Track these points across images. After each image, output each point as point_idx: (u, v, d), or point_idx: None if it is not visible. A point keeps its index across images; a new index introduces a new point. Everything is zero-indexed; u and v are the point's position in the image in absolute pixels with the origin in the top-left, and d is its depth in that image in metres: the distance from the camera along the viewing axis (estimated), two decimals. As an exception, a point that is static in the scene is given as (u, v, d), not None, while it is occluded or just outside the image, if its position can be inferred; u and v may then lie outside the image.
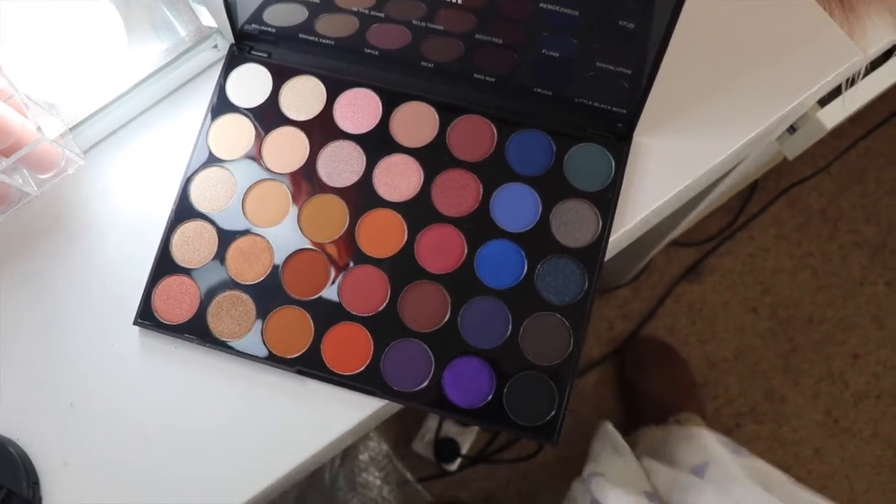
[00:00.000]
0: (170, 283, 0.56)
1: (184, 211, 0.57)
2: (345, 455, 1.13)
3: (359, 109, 0.58)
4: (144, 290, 0.56)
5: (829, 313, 1.22)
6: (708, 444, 0.88)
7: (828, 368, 1.20)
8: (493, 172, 0.56)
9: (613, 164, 0.56)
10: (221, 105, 0.59)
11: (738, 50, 0.58)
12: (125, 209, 0.58)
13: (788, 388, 1.20)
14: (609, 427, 0.96)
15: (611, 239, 0.55)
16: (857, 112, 0.73)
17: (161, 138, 0.59)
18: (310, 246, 0.56)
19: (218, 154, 0.58)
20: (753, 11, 0.59)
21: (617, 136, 0.56)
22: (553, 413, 0.52)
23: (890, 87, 0.74)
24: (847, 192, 1.24)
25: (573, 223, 0.55)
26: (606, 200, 0.55)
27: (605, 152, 0.56)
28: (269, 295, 0.55)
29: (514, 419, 0.52)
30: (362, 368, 0.54)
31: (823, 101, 0.73)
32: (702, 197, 0.82)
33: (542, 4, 0.49)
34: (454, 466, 1.17)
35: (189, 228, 0.57)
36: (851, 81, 0.71)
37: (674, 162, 0.56)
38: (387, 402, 0.54)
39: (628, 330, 1.21)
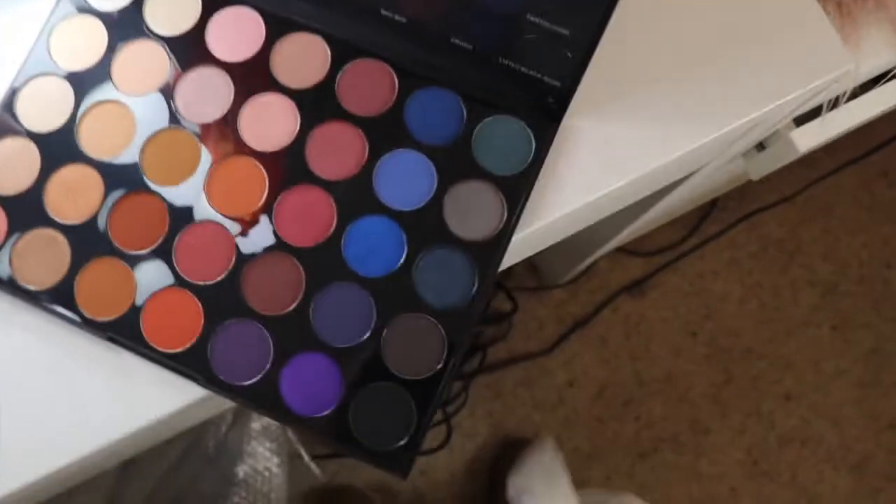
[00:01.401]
0: (-27, 209, 0.43)
1: (3, 123, 0.44)
2: (235, 420, 1.01)
3: (238, 32, 0.45)
4: (-65, 212, 0.43)
5: (769, 349, 1.12)
6: None
7: (757, 406, 1.10)
8: (385, 132, 0.44)
9: (535, 145, 0.44)
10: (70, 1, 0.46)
11: (710, 34, 0.46)
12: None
13: (715, 420, 1.10)
14: (550, 447, 0.85)
15: (516, 236, 0.43)
16: (833, 140, 0.62)
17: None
18: (149, 188, 0.43)
19: (60, 62, 0.45)
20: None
21: (545, 112, 0.44)
22: (407, 440, 0.41)
23: (874, 118, 0.63)
24: (809, 224, 1.13)
25: (472, 210, 0.43)
26: (518, 188, 0.43)
27: (525, 129, 0.44)
28: (89, 241, 0.43)
29: (359, 439, 0.41)
30: (186, 347, 0.42)
31: (799, 121, 0.62)
32: (648, 204, 0.71)
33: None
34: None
35: (6, 146, 0.44)
36: (834, 103, 0.60)
37: (609, 155, 0.45)
38: (209, 393, 0.42)
39: (558, 333, 1.10)
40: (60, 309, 0.42)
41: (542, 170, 0.44)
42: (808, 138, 0.61)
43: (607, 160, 0.45)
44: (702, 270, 1.12)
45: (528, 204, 0.43)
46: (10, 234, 0.43)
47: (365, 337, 0.42)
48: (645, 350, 1.12)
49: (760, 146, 0.67)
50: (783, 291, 1.13)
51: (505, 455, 1.05)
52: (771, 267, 1.14)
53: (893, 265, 1.14)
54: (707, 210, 1.11)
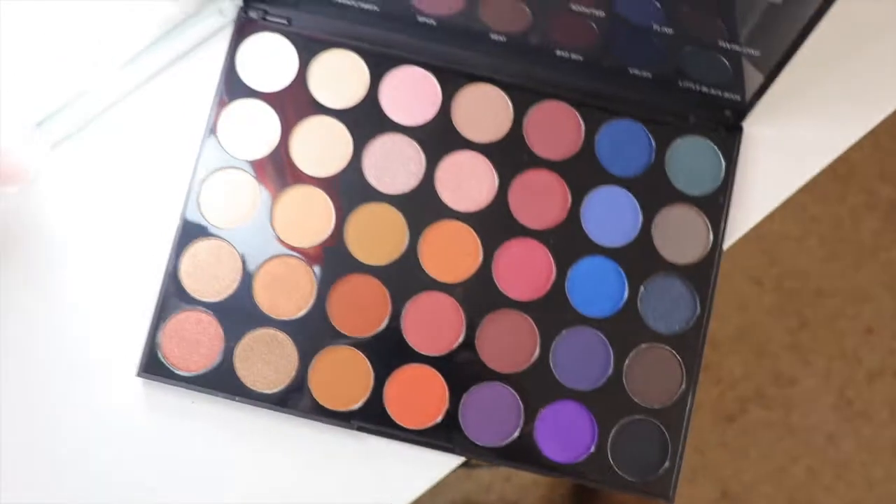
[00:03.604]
0: (182, 320, 0.50)
1: (193, 227, 0.51)
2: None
3: (411, 93, 0.53)
4: (149, 332, 0.50)
5: (840, 284, 1.25)
6: None
7: (839, 346, 1.24)
8: (581, 173, 0.53)
9: (723, 160, 0.53)
10: (233, 87, 0.52)
11: (864, 16, 0.56)
12: (113, 225, 0.52)
13: (798, 368, 1.23)
14: None
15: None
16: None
17: (154, 130, 0.53)
18: (361, 269, 0.51)
19: (233, 152, 0.52)
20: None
21: (725, 126, 0.53)
22: (667, 464, 0.50)
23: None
24: (858, 147, 1.26)
25: (680, 235, 0.52)
26: (717, 206, 0.53)
27: (711, 146, 0.53)
28: (313, 332, 0.50)
29: (623, 474, 0.50)
30: (437, 421, 0.50)
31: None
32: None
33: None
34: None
35: (203, 249, 0.51)
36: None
37: (791, 155, 0.54)
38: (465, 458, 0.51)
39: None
40: (294, 404, 0.49)
41: (735, 181, 0.53)
42: None
43: (789, 159, 0.54)
44: (756, 213, 1.23)
45: (729, 216, 0.53)
46: (226, 339, 0.50)
47: (607, 376, 0.51)
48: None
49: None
50: (843, 221, 1.26)
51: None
52: (825, 198, 1.26)
53: (946, 169, 1.27)
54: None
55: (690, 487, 1.20)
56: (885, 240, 1.26)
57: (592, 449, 0.50)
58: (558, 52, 0.52)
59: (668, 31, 0.48)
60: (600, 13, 0.48)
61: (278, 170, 0.52)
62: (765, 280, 1.26)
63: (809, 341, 1.24)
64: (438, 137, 0.52)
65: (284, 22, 0.53)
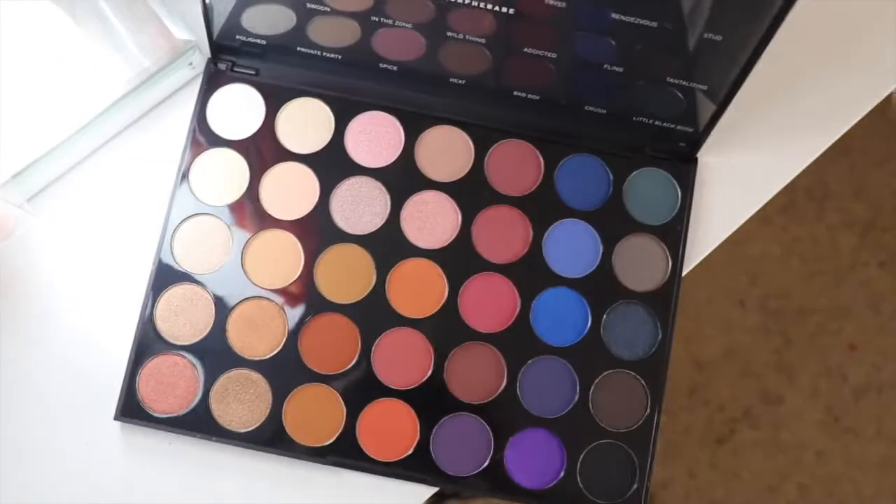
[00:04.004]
0: (158, 364, 0.52)
1: (167, 273, 0.53)
2: None
3: (376, 137, 0.55)
4: (126, 376, 0.52)
5: (821, 301, 1.27)
6: None
7: (824, 363, 1.25)
8: (542, 208, 0.55)
9: (679, 191, 0.55)
10: (203, 137, 0.54)
11: (800, 50, 0.58)
12: (89, 273, 0.54)
13: (784, 387, 1.25)
14: None
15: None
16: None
17: (127, 180, 0.55)
18: (331, 308, 0.53)
19: (204, 199, 0.54)
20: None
21: (680, 157, 0.55)
22: (636, 486, 0.52)
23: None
24: (832, 166, 1.29)
25: (639, 263, 0.54)
26: (675, 234, 0.55)
27: (668, 178, 0.55)
28: (285, 371, 0.52)
29: (593, 498, 0.52)
30: (408, 453, 0.52)
31: None
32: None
33: (613, 15, 0.47)
34: None
35: (177, 294, 0.53)
36: None
37: (743, 182, 0.56)
38: (437, 489, 0.52)
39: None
40: (269, 442, 0.51)
41: (692, 209, 0.55)
42: None
43: (742, 187, 0.56)
44: (735, 237, 1.25)
45: (686, 243, 0.55)
46: (202, 381, 0.52)
47: (574, 403, 0.52)
48: (696, 330, 1.25)
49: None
50: (821, 240, 1.28)
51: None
52: (803, 218, 1.29)
53: (921, 187, 1.30)
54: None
55: (683, 510, 1.22)
56: (863, 256, 1.29)
57: (562, 474, 0.52)
58: (516, 93, 0.54)
59: (620, 69, 0.50)
60: (553, 55, 0.50)
61: (249, 214, 0.54)
62: (748, 301, 1.28)
63: (794, 359, 1.26)
64: (403, 178, 0.54)
65: (252, 73, 0.55)
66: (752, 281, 1.28)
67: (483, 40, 0.51)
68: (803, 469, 1.23)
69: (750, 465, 1.23)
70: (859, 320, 1.27)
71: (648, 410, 0.53)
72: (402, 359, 0.52)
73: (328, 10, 0.51)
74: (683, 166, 0.55)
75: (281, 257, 0.53)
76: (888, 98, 0.84)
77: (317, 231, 0.54)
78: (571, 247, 0.54)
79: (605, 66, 0.50)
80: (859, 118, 0.58)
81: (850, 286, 1.28)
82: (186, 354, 0.52)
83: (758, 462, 1.23)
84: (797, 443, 1.23)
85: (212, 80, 0.55)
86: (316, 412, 0.52)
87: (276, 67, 0.55)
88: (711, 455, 1.23)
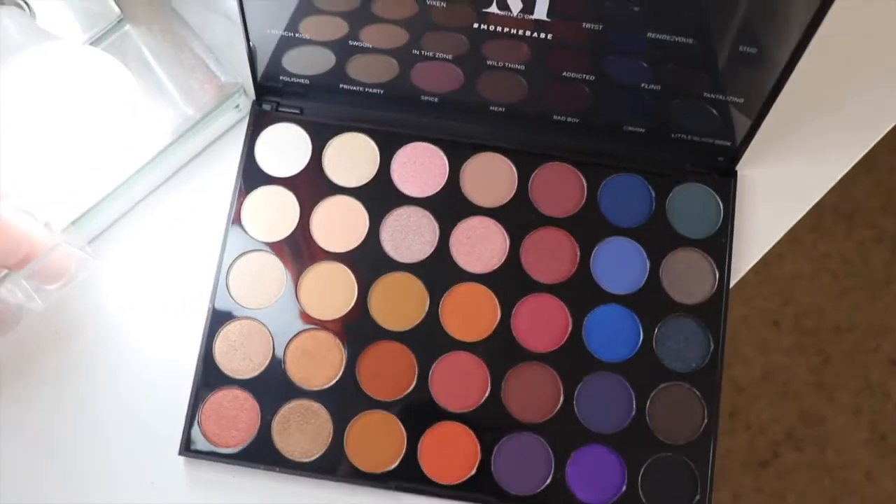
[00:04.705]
0: (219, 399, 0.53)
1: (224, 309, 0.54)
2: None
3: (421, 168, 0.57)
4: (188, 413, 0.53)
5: (857, 318, 1.27)
6: None
7: (865, 379, 1.25)
8: (587, 228, 0.56)
9: (721, 204, 0.56)
10: (253, 176, 0.56)
11: (842, 55, 0.59)
12: (147, 313, 0.55)
13: (826, 406, 1.25)
14: None
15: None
16: None
17: (181, 221, 0.56)
18: (387, 336, 0.54)
19: (257, 236, 0.55)
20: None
21: (719, 171, 0.57)
22: (698, 497, 0.52)
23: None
24: (858, 181, 1.30)
25: (686, 277, 0.55)
26: (720, 247, 0.56)
27: (709, 192, 0.57)
28: (345, 400, 0.53)
29: (656, 512, 0.52)
30: (470, 475, 0.52)
31: None
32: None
33: (649, 34, 0.49)
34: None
35: (234, 330, 0.54)
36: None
37: (784, 192, 0.58)
38: (501, 510, 0.53)
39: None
40: (333, 471, 0.52)
41: (735, 221, 0.56)
42: None
43: (782, 197, 0.58)
44: (766, 258, 1.26)
45: (732, 254, 0.56)
46: (262, 413, 0.53)
47: (631, 417, 0.53)
48: (733, 353, 1.25)
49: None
50: (852, 256, 1.29)
51: None
52: (833, 234, 1.29)
53: (950, 197, 1.30)
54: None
55: (731, 536, 1.21)
56: (895, 271, 1.29)
57: (624, 489, 0.52)
58: (555, 117, 0.56)
59: (656, 87, 0.52)
60: (590, 77, 0.52)
61: (300, 249, 0.55)
62: (782, 321, 1.28)
63: (834, 378, 1.26)
64: (449, 206, 0.56)
65: (297, 111, 0.57)
66: (785, 301, 1.28)
67: (521, 67, 0.52)
68: (852, 490, 1.22)
69: (796, 488, 1.22)
70: (897, 335, 1.27)
71: (706, 421, 0.53)
72: (459, 382, 0.53)
73: (368, 47, 0.53)
74: (723, 180, 0.57)
75: (335, 289, 0.55)
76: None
77: (368, 261, 0.55)
78: (619, 264, 0.55)
79: (642, 85, 0.52)
80: (890, 126, 0.59)
81: (885, 301, 1.28)
82: (246, 388, 0.53)
83: (804, 485, 1.22)
84: (843, 463, 1.23)
85: (258, 121, 0.57)
86: (377, 438, 0.53)
87: (320, 105, 0.57)
88: (755, 479, 1.22)
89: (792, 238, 1.30)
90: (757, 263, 1.21)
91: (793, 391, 1.26)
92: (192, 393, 0.53)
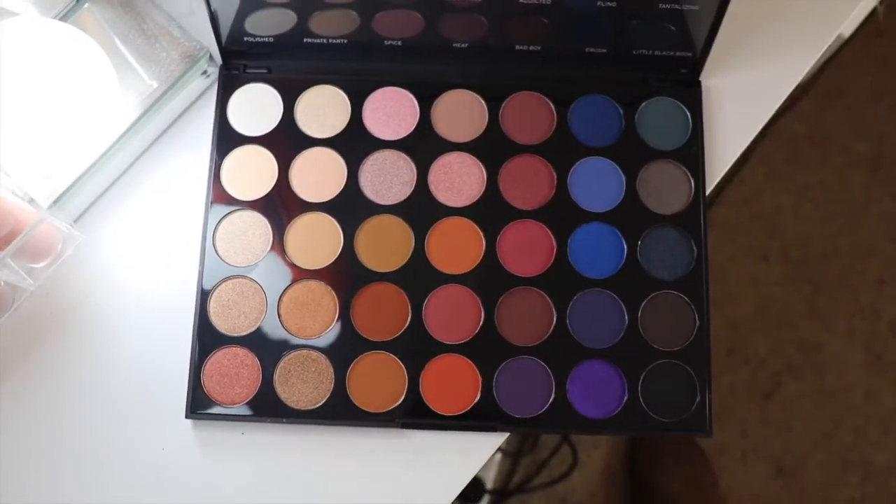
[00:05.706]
0: (219, 358, 0.54)
1: (214, 269, 0.55)
2: None
3: (392, 112, 0.58)
4: (190, 375, 0.54)
5: (842, 243, 1.29)
6: None
7: (856, 302, 1.27)
8: (561, 151, 0.57)
9: (689, 114, 0.58)
10: (228, 138, 0.57)
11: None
12: (139, 285, 0.56)
13: (821, 333, 1.26)
14: None
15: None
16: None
17: (163, 189, 0.57)
18: (377, 278, 0.55)
19: (239, 196, 0.56)
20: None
21: (683, 83, 0.58)
22: (699, 398, 0.53)
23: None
24: (828, 109, 1.32)
25: (663, 187, 0.57)
26: (692, 155, 0.57)
27: (676, 104, 0.58)
28: (342, 345, 0.54)
29: (659, 417, 0.53)
30: (474, 403, 0.53)
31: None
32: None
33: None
34: (483, 507, 1.17)
35: (226, 290, 0.55)
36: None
37: (748, 97, 0.59)
38: (508, 434, 0.54)
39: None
40: (338, 415, 0.53)
41: (704, 129, 0.57)
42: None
43: (748, 102, 0.59)
44: (745, 195, 1.28)
45: (706, 162, 0.57)
46: (263, 367, 0.54)
47: (624, 330, 0.54)
48: (724, 292, 1.27)
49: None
50: (831, 183, 1.31)
51: (636, 448, 1.19)
52: (809, 164, 1.31)
53: (924, 117, 1.32)
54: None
55: (744, 470, 1.22)
56: (875, 192, 1.31)
57: (625, 399, 0.53)
58: (518, 47, 0.57)
59: (612, 4, 0.53)
60: (547, 1, 0.53)
61: (283, 204, 0.56)
62: (770, 254, 1.30)
63: (826, 305, 1.27)
64: (424, 145, 0.57)
65: (265, 71, 0.58)
66: (770, 234, 1.30)
67: (478, 1, 0.53)
68: (855, 411, 1.24)
69: (801, 416, 1.24)
70: (884, 255, 1.28)
71: (697, 324, 0.55)
72: (453, 315, 0.55)
73: (328, 1, 0.54)
74: (688, 90, 0.58)
75: (321, 238, 0.56)
76: (873, 11, 0.86)
77: (350, 208, 0.56)
78: (596, 183, 0.57)
79: (598, 2, 0.53)
80: (849, 19, 0.60)
81: (868, 223, 1.30)
82: (245, 345, 0.54)
83: (808, 411, 1.24)
84: (844, 386, 1.24)
85: (227, 85, 0.58)
86: (378, 379, 0.54)
87: (287, 62, 0.58)
88: (761, 411, 1.24)
89: (770, 172, 1.31)
90: (737, 204, 1.22)
91: (787, 322, 1.27)
92: (191, 356, 0.54)
